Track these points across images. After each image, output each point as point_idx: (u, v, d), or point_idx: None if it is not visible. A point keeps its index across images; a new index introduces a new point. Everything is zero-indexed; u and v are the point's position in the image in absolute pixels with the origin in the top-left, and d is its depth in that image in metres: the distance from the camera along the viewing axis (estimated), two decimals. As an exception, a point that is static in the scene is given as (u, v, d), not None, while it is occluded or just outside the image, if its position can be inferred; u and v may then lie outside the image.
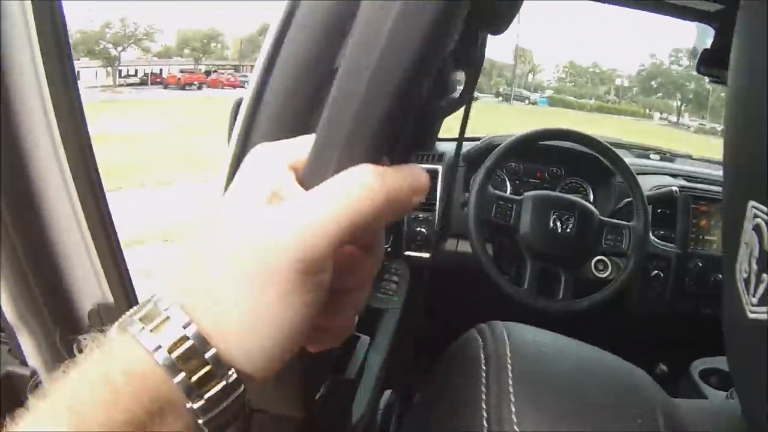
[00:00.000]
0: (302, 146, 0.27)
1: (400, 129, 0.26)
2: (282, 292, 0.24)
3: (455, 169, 1.59)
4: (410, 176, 0.26)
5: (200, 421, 0.25)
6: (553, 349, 0.39)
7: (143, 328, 0.24)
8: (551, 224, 1.38)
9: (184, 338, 0.24)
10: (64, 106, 0.55)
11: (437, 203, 1.56)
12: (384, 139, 0.26)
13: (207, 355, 0.24)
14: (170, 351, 0.24)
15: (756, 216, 0.28)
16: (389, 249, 1.50)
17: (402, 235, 1.58)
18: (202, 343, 0.24)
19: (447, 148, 1.67)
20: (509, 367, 0.35)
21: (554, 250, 1.38)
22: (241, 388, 0.25)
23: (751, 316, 0.29)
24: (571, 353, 0.39)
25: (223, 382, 0.25)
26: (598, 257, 1.47)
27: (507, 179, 1.74)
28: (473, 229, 1.36)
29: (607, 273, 1.48)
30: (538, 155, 1.70)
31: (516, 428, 0.31)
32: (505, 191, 1.69)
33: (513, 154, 1.46)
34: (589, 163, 1.60)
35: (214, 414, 0.25)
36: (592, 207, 1.43)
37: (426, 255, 1.58)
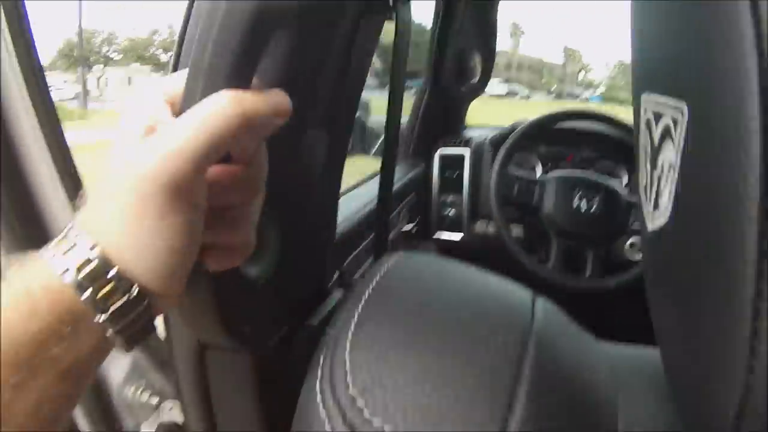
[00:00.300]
0: (179, 81, 0.30)
1: (257, 61, 0.29)
2: (158, 216, 0.27)
3: (483, 152, 1.61)
4: (269, 98, 0.29)
5: (108, 333, 0.28)
6: (433, 272, 0.37)
7: (56, 253, 0.28)
8: (575, 203, 1.37)
9: (89, 260, 0.27)
10: (40, 106, 0.58)
11: (465, 186, 1.58)
12: (242, 69, 0.28)
13: (110, 274, 0.27)
14: (78, 271, 0.27)
15: (646, 109, 0.27)
16: (415, 230, 1.53)
17: (430, 217, 1.61)
18: (105, 263, 0.27)
19: (475, 134, 1.69)
20: (373, 283, 0.35)
21: (579, 229, 1.38)
22: (145, 302, 0.29)
23: (650, 227, 0.27)
24: (453, 277, 0.36)
25: (125, 297, 0.28)
26: (632, 239, 1.44)
27: (539, 163, 1.74)
28: (495, 207, 1.37)
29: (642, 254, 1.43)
30: (571, 139, 1.69)
31: (350, 337, 0.31)
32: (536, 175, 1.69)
33: (534, 135, 1.46)
34: (622, 146, 1.57)
35: (121, 326, 0.28)
36: (617, 186, 1.42)
37: (457, 237, 1.60)
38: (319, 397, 0.28)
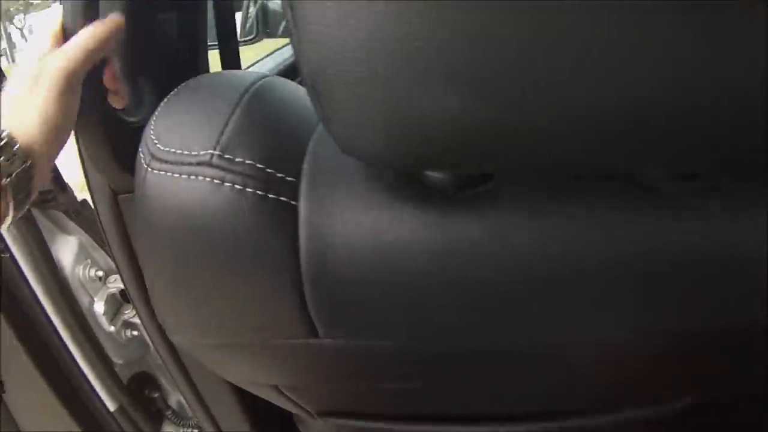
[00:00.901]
0: (56, 19, 0.44)
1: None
2: (61, 94, 0.40)
3: None
4: (109, 24, 0.43)
5: (5, 182, 0.37)
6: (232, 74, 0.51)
7: None
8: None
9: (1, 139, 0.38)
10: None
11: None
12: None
13: (15, 148, 0.38)
14: None
15: None
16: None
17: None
18: (11, 141, 0.38)
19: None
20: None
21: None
22: (29, 161, 0.39)
23: None
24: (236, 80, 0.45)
25: (23, 166, 0.38)
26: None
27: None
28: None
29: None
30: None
31: (162, 104, 0.42)
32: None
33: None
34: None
35: (12, 178, 0.37)
36: None
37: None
38: (142, 142, 0.41)
